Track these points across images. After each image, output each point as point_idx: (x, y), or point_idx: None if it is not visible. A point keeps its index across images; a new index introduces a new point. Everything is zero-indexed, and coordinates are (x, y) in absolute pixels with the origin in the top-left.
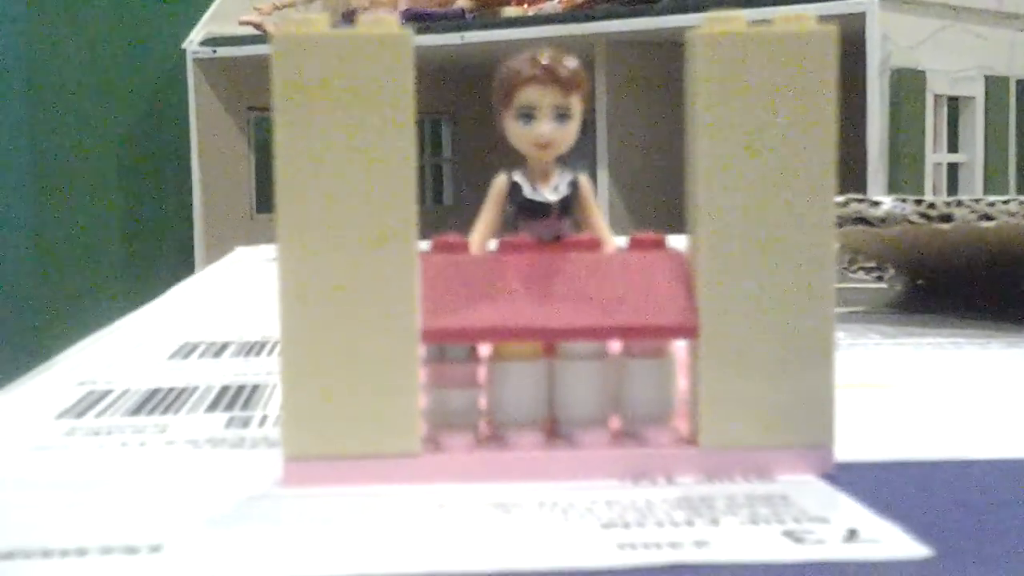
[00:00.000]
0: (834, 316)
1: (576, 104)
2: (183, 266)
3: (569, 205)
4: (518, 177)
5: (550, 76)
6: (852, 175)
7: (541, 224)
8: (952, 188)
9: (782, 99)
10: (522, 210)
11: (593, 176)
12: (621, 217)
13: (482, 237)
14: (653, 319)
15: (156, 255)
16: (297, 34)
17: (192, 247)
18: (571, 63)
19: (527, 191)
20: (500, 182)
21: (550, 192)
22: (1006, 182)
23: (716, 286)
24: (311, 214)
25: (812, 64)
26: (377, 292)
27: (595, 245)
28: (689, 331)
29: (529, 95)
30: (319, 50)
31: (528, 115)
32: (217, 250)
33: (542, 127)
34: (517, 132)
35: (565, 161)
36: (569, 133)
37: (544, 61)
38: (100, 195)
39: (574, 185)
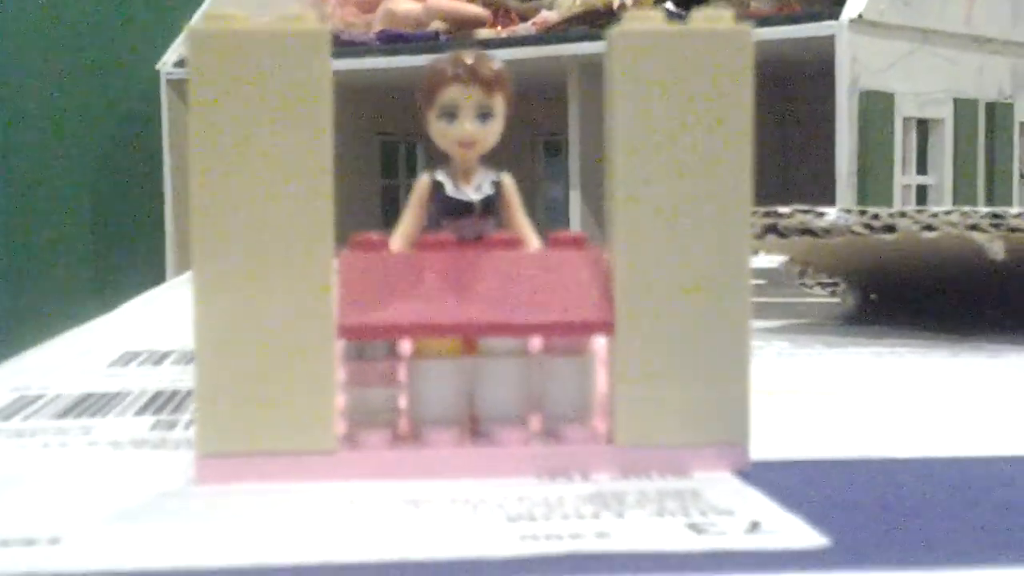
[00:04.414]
0: (750, 314)
1: (499, 104)
2: (155, 285)
3: (492, 204)
4: (441, 176)
5: (472, 75)
6: (822, 196)
7: (463, 223)
8: None
9: (698, 97)
10: (444, 209)
11: (566, 197)
12: (593, 238)
13: (404, 236)
14: (569, 315)
15: (129, 274)
16: (212, 29)
17: (164, 266)
18: (494, 63)
19: (449, 190)
20: (423, 181)
21: (473, 191)
22: (975, 204)
23: (632, 283)
24: (226, 212)
25: (728, 62)
26: (293, 289)
27: (515, 243)
28: (604, 327)
29: (452, 94)
30: (234, 46)
31: (451, 114)
32: (189, 270)
33: (464, 126)
34: (440, 131)
35: (539, 182)
36: (492, 132)
37: (467, 61)
38: (72, 214)
39: (497, 185)
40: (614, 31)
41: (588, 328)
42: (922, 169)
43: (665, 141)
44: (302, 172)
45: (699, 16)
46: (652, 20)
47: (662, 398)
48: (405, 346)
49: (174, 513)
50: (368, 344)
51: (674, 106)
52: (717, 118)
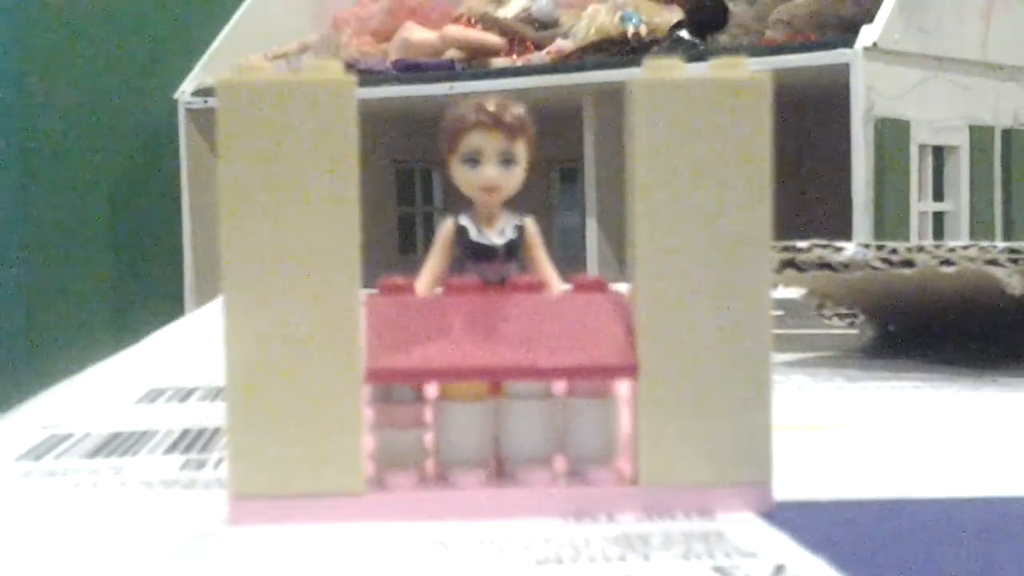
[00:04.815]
0: (771, 357)
1: (521, 150)
2: (174, 315)
3: (515, 248)
4: (465, 221)
5: (495, 122)
6: (838, 222)
7: (487, 267)
8: (938, 236)
9: (718, 144)
10: (468, 253)
11: (582, 224)
12: (610, 266)
13: (429, 280)
14: (593, 359)
15: (147, 304)
16: (240, 81)
17: (183, 296)
18: (516, 109)
19: (473, 234)
20: (447, 226)
21: (496, 236)
22: (992, 230)
23: (654, 327)
24: (256, 256)
25: (746, 110)
26: (321, 333)
27: (539, 287)
28: (628, 371)
29: (474, 140)
30: (262, 97)
31: (474, 160)
32: (208, 299)
33: (487, 172)
34: (463, 177)
35: (555, 210)
36: (514, 178)
37: (489, 107)
38: (91, 243)
39: (520, 229)
40: (636, 81)
41: (612, 372)
42: (938, 196)
43: (686, 187)
44: (330, 217)
45: (717, 64)
46: (672, 69)
47: (685, 439)
48: (432, 388)
49: (210, 555)
50: (395, 386)
51: (694, 153)
52: (737, 163)
